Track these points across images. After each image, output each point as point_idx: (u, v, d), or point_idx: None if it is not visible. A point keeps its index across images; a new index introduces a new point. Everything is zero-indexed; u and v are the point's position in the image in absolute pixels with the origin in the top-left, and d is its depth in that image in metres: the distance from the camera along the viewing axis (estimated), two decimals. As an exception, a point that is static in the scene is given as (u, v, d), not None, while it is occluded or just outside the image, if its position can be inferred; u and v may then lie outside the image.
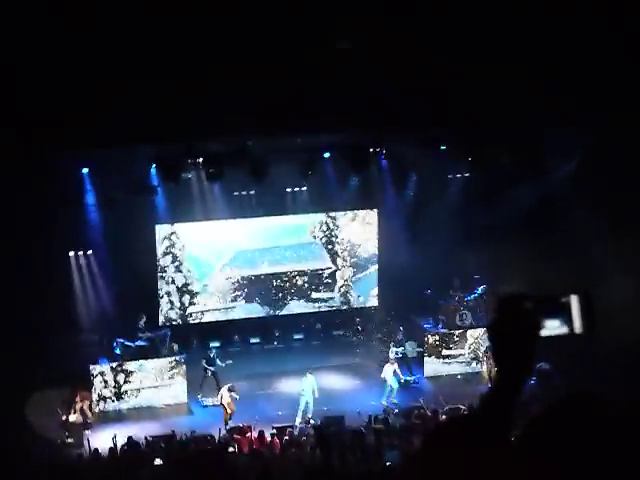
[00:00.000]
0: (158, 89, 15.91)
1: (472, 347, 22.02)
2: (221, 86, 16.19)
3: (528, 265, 20.98)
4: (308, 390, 19.45)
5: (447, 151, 21.47)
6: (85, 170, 20.77)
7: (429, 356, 21.88)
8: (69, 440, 18.07)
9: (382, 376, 20.56)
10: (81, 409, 19.06)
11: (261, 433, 16.58)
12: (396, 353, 21.92)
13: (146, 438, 17.07)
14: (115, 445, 16.35)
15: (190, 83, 16.04)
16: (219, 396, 19.31)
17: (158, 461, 14.32)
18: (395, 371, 20.47)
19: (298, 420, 18.52)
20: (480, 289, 23.26)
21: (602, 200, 19.13)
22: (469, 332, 22.13)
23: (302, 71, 16.24)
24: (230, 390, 19.14)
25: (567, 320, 2.88)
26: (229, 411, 18.89)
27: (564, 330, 2.87)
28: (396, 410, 18.70)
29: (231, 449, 15.68)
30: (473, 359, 21.95)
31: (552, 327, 2.85)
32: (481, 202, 22.52)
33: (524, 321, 2.74)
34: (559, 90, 16.98)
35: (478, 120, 18.58)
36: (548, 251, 20.58)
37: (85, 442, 17.84)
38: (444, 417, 17.04)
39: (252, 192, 22.91)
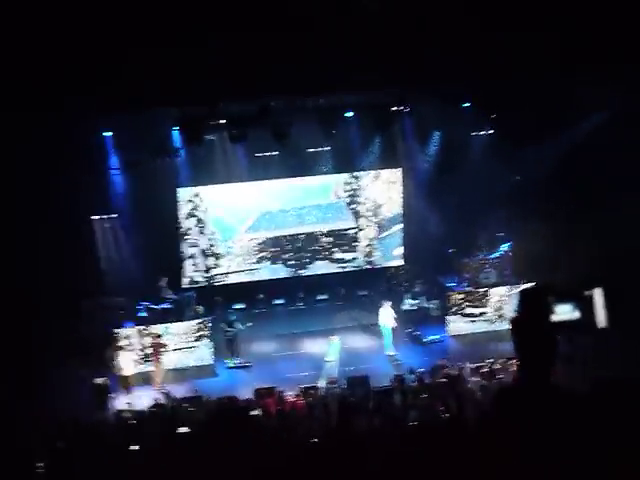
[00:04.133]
0: (180, 53, 15.82)
1: (496, 305, 21.89)
2: (242, 48, 16.05)
3: (553, 224, 20.84)
4: (334, 354, 19.56)
5: (470, 109, 21.25)
6: (108, 133, 20.81)
7: (454, 314, 21.78)
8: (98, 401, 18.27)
9: (380, 322, 20.66)
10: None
11: (281, 395, 16.64)
12: (410, 305, 21.96)
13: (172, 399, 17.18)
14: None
15: (212, 46, 15.91)
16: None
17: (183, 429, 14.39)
18: (393, 316, 20.61)
19: (322, 382, 18.58)
20: (505, 246, 23.16)
21: (633, 159, 18.82)
22: (493, 290, 22.00)
23: (324, 30, 16.05)
24: None
25: (589, 314, 2.84)
26: None
27: (585, 324, 2.83)
28: (422, 369, 18.65)
29: (256, 412, 15.71)
30: (498, 317, 21.84)
31: (572, 320, 2.81)
32: (505, 160, 22.32)
33: (547, 315, 2.70)
34: (586, 43, 16.64)
35: (501, 75, 18.31)
36: (574, 210, 20.41)
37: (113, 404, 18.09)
38: (471, 376, 17.03)
39: (275, 153, 22.85)
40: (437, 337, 21.34)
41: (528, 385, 2.67)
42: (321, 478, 6.19)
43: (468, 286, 22.61)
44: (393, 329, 20.44)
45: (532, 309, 2.78)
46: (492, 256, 23.26)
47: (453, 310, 21.83)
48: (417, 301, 22.12)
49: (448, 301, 21.93)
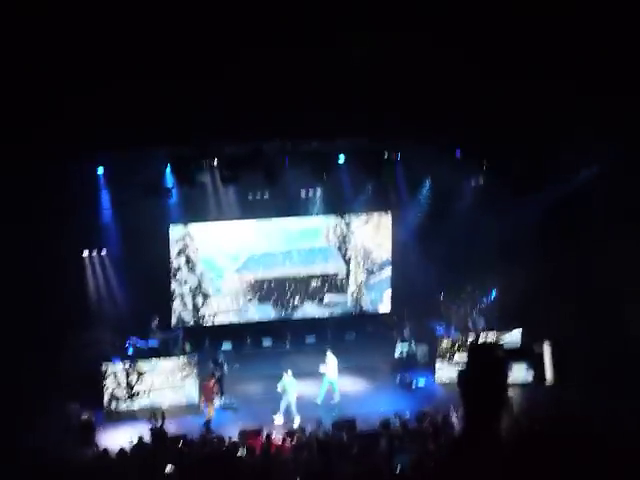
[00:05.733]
0: (174, 91, 15.95)
1: (484, 352, 21.82)
2: (236, 88, 16.21)
3: (541, 272, 20.99)
4: (290, 390, 19.68)
5: (462, 157, 21.43)
6: (100, 171, 20.87)
7: (441, 360, 21.77)
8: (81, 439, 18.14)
9: (322, 370, 20.63)
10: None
11: (269, 436, 16.58)
12: (401, 353, 21.98)
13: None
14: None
15: (206, 85, 16.06)
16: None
17: (169, 468, 14.32)
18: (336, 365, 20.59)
19: (278, 420, 18.67)
20: (493, 293, 23.21)
21: (619, 211, 19.07)
22: (482, 336, 22.00)
23: (318, 75, 16.24)
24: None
25: (539, 370, 2.91)
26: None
27: (533, 380, 2.90)
28: (408, 414, 18.57)
29: (240, 452, 15.63)
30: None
31: (522, 377, 2.88)
32: (495, 209, 22.49)
33: (495, 370, 2.77)
34: (580, 97, 16.84)
35: (493, 124, 18.50)
36: (563, 259, 20.59)
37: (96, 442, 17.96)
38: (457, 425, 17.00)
39: (266, 196, 22.97)
40: (424, 383, 21.33)
41: (471, 437, 2.74)
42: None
43: (456, 331, 22.58)
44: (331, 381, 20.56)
45: (480, 364, 2.84)
46: (480, 303, 23.27)
47: (441, 357, 21.83)
48: (407, 348, 22.11)
49: (437, 347, 21.93)
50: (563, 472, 2.28)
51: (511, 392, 2.83)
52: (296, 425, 18.70)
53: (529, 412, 17.11)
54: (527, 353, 3.03)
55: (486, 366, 2.82)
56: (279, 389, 19.61)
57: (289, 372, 19.83)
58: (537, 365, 2.98)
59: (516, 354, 3.01)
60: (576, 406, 16.12)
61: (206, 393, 19.61)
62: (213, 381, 19.83)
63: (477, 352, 2.88)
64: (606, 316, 19.55)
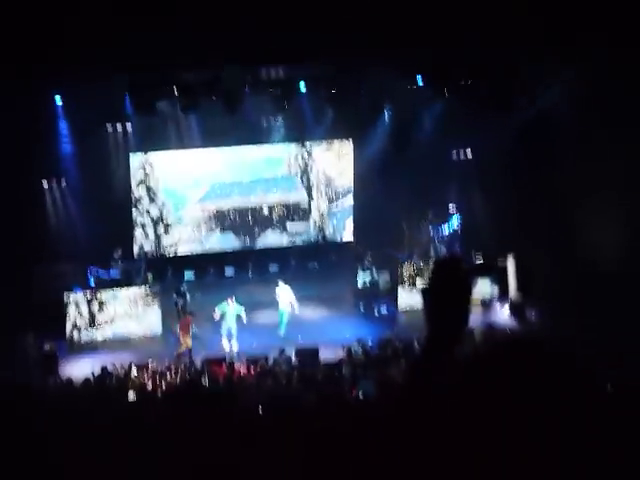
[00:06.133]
0: (132, 18, 15.59)
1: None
2: (196, 14, 15.87)
3: (504, 199, 21.08)
4: (229, 316, 19.79)
5: (423, 81, 21.21)
6: (58, 101, 20.49)
7: (402, 285, 21.88)
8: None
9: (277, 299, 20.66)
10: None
11: (231, 364, 16.65)
12: (364, 282, 22.05)
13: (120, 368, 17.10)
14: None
15: (164, 11, 15.71)
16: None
17: (131, 395, 14.36)
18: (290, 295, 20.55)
19: (271, 354, 18.65)
20: (455, 220, 23.26)
21: (585, 132, 19.06)
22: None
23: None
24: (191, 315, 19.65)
25: (501, 285, 2.88)
26: (183, 345, 19.09)
27: (497, 294, 2.88)
28: (370, 342, 18.71)
29: (203, 380, 15.72)
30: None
31: (486, 291, 2.85)
32: (456, 133, 22.47)
33: (458, 284, 2.73)
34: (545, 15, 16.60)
35: (454, 43, 18.25)
36: (524, 183, 20.66)
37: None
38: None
39: (227, 124, 22.72)
40: (386, 311, 21.46)
41: (432, 358, 2.71)
42: (264, 448, 6.22)
43: (418, 260, 22.63)
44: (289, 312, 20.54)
45: (444, 279, 2.80)
46: (442, 232, 23.36)
47: (403, 284, 21.92)
48: (369, 277, 22.14)
49: (399, 275, 22.01)
50: (524, 395, 2.24)
51: (475, 309, 2.81)
52: (235, 349, 19.02)
53: (491, 332, 17.41)
54: (491, 267, 3.01)
55: (449, 280, 2.78)
56: (216, 315, 19.70)
57: (233, 299, 19.87)
58: (501, 279, 2.96)
59: (480, 268, 2.99)
60: (541, 326, 16.37)
61: (183, 328, 19.42)
62: (191, 318, 19.69)
63: (440, 266, 2.84)
64: (571, 241, 19.71)
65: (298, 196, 24.71)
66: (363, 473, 2.46)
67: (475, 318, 2.85)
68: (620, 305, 16.36)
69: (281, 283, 20.65)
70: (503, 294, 3.04)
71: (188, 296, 20.80)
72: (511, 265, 2.98)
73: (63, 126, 21.26)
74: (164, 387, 15.58)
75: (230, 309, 19.74)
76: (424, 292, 2.82)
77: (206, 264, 23.85)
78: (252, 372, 16.49)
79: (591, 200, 19.14)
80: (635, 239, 17.85)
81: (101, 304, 20.27)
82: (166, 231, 23.87)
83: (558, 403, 2.14)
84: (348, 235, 25.03)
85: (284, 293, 20.53)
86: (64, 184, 22.14)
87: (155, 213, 23.73)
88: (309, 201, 24.75)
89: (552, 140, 20.26)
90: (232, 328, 19.68)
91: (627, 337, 15.00)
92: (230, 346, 19.47)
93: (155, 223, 23.77)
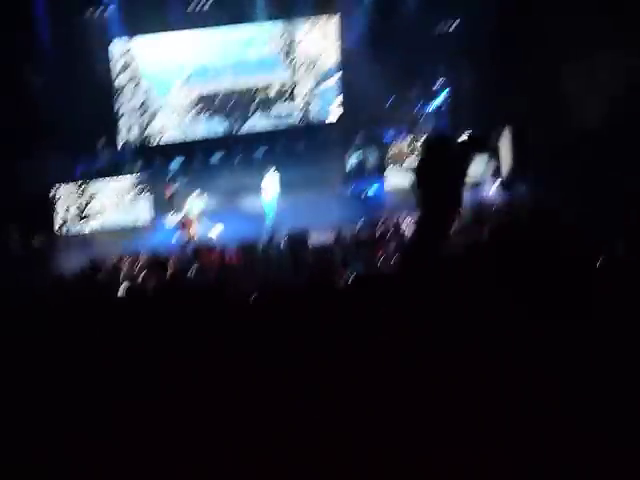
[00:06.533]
0: None
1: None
2: None
3: (491, 68, 20.68)
4: (271, 192, 19.64)
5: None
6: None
7: (391, 166, 21.67)
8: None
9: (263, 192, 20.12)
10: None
11: (222, 250, 16.63)
12: (352, 164, 21.85)
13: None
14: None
15: None
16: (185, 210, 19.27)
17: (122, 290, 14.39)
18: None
19: (261, 239, 18.47)
20: (444, 94, 22.95)
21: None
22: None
23: None
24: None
25: (495, 160, 2.77)
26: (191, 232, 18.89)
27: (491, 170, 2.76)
28: (360, 222, 18.65)
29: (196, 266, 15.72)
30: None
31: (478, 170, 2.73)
32: (446, 2, 21.95)
33: (447, 162, 2.60)
34: None
35: None
36: (513, 53, 20.20)
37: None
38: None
39: (207, 4, 22.22)
40: (375, 191, 21.34)
41: (425, 241, 2.60)
42: (259, 334, 6.19)
43: (408, 135, 22.29)
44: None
45: (433, 158, 2.66)
46: (431, 104, 23.03)
47: (392, 163, 21.69)
48: (357, 158, 21.92)
49: (387, 153, 21.77)
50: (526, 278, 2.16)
51: (467, 188, 2.70)
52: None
53: (488, 211, 17.38)
54: (481, 142, 2.89)
55: (438, 158, 2.66)
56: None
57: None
58: (493, 155, 2.86)
59: (472, 142, 2.87)
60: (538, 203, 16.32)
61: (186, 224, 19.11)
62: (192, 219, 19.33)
63: (430, 143, 2.72)
64: (561, 106, 19.35)
65: (282, 77, 24.26)
66: (361, 353, 2.40)
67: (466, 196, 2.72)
68: (613, 175, 16.16)
69: (271, 172, 20.08)
70: (496, 169, 2.92)
71: (176, 183, 20.60)
72: (505, 139, 2.86)
73: (41, 10, 20.75)
74: (155, 280, 15.59)
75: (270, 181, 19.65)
76: (414, 172, 2.71)
77: (192, 151, 23.57)
78: (240, 260, 16.48)
79: (583, 64, 18.68)
80: (631, 105, 17.51)
81: (89, 196, 20.14)
82: (151, 119, 23.53)
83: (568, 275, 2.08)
84: (335, 116, 24.68)
85: (272, 183, 20.11)
86: (44, 73, 21.57)
87: (139, 100, 23.34)
88: (294, 82, 24.32)
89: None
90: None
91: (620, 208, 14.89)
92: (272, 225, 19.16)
93: (139, 111, 23.41)
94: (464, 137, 2.87)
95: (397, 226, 17.21)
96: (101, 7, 21.11)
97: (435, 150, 2.68)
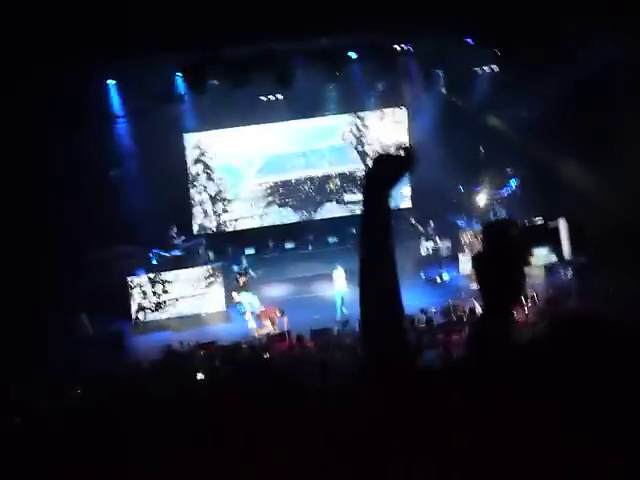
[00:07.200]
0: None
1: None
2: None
3: (564, 160, 20.66)
4: (340, 284, 19.58)
5: (474, 45, 20.85)
6: (111, 83, 20.66)
7: (464, 253, 21.65)
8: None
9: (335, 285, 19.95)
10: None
11: (299, 337, 16.64)
12: (427, 249, 21.92)
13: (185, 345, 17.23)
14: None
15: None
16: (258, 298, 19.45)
17: (200, 376, 14.47)
18: (345, 278, 19.70)
19: (335, 325, 18.41)
20: (513, 183, 22.99)
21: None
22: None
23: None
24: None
25: (555, 246, 2.78)
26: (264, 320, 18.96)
27: (552, 258, 2.78)
28: (434, 309, 18.55)
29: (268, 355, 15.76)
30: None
31: (540, 255, 2.75)
32: (511, 96, 22.06)
33: (511, 249, 2.63)
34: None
35: (505, 8, 17.89)
36: (580, 146, 20.19)
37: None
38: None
39: (279, 96, 22.69)
40: (449, 277, 21.32)
41: (490, 324, 2.63)
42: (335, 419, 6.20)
43: (477, 224, 22.38)
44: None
45: (496, 243, 2.70)
46: (501, 193, 23.08)
47: (464, 250, 21.73)
48: (432, 243, 22.05)
49: (459, 240, 21.84)
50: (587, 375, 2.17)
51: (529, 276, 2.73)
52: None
53: (553, 299, 17.18)
54: (542, 229, 2.91)
55: (499, 244, 2.69)
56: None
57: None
58: (554, 241, 2.87)
59: (531, 230, 2.90)
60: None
61: (266, 312, 19.20)
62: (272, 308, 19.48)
63: (490, 230, 2.75)
64: (626, 198, 19.23)
65: (353, 165, 24.60)
66: (430, 440, 2.41)
67: (539, 283, 2.74)
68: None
69: (339, 267, 19.95)
70: (559, 257, 2.95)
71: (251, 271, 20.79)
72: (563, 226, 2.89)
73: (116, 109, 21.49)
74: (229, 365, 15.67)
75: (339, 277, 19.69)
76: (474, 259, 2.76)
77: (265, 238, 23.89)
78: (315, 345, 16.49)
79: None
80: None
81: (164, 283, 20.48)
82: (224, 207, 24.01)
83: (622, 388, 2.07)
84: (407, 203, 24.81)
85: (340, 276, 19.98)
86: (121, 169, 22.25)
87: (213, 190, 23.90)
88: (365, 170, 24.57)
89: (611, 99, 19.72)
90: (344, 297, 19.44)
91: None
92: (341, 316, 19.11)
93: (213, 200, 23.95)
94: (525, 225, 2.92)
95: (472, 311, 17.10)
96: (174, 104, 21.68)
97: (493, 236, 2.73)
